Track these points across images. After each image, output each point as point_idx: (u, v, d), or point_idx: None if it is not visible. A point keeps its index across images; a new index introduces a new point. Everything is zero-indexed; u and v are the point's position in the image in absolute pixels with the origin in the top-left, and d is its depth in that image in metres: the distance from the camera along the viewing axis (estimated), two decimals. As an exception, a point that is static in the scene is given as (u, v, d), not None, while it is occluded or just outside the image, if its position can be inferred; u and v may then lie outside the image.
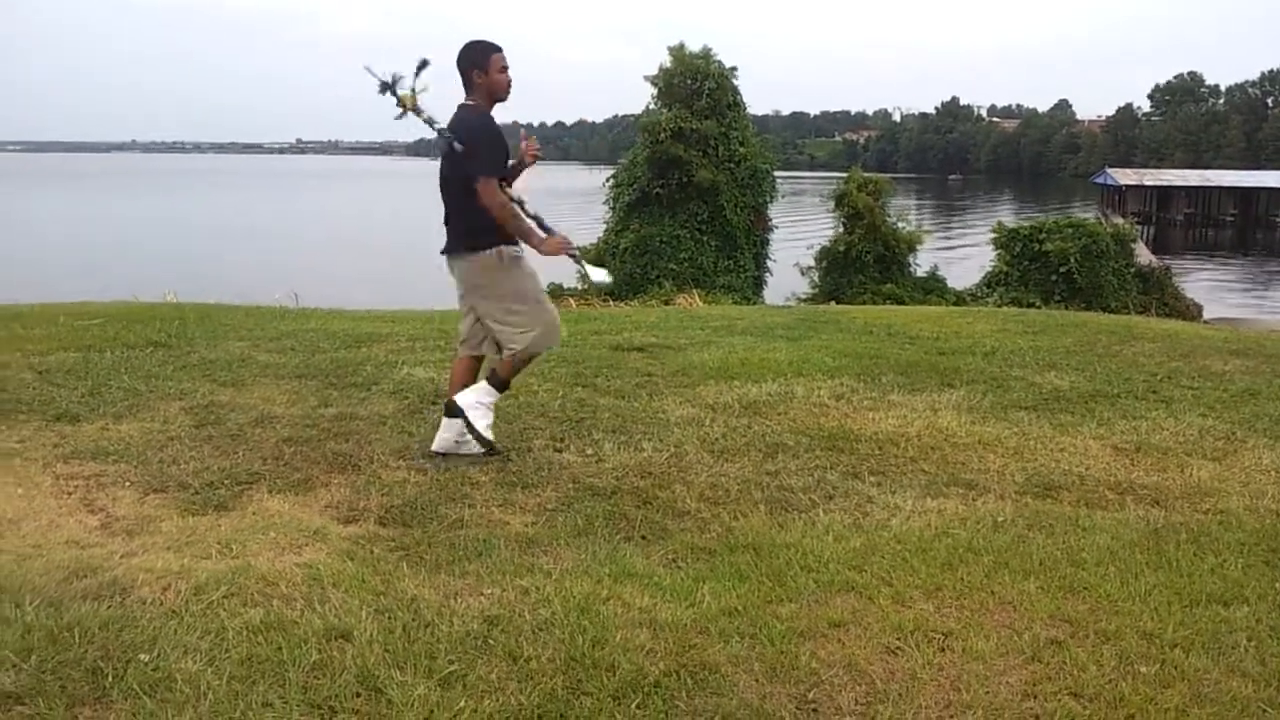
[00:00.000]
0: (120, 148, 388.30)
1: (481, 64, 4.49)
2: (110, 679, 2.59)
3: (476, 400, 4.58)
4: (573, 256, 4.62)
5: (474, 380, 4.70)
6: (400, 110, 4.53)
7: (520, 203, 4.57)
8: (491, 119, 4.57)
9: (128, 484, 4.15)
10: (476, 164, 4.41)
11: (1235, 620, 3.14)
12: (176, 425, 4.98)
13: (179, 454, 4.54)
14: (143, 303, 10.23)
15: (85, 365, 6.18)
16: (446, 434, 4.60)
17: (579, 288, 23.68)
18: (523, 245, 4.58)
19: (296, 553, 3.51)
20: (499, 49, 4.55)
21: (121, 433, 4.83)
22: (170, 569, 3.29)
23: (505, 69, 4.54)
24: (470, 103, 4.55)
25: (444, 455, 4.58)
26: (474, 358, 4.79)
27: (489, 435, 4.59)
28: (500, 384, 4.66)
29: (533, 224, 4.56)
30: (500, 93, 4.56)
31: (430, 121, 4.54)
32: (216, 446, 4.68)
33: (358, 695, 2.58)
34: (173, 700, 2.51)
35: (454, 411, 4.57)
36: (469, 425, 4.54)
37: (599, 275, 4.89)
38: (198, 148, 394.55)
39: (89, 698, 2.52)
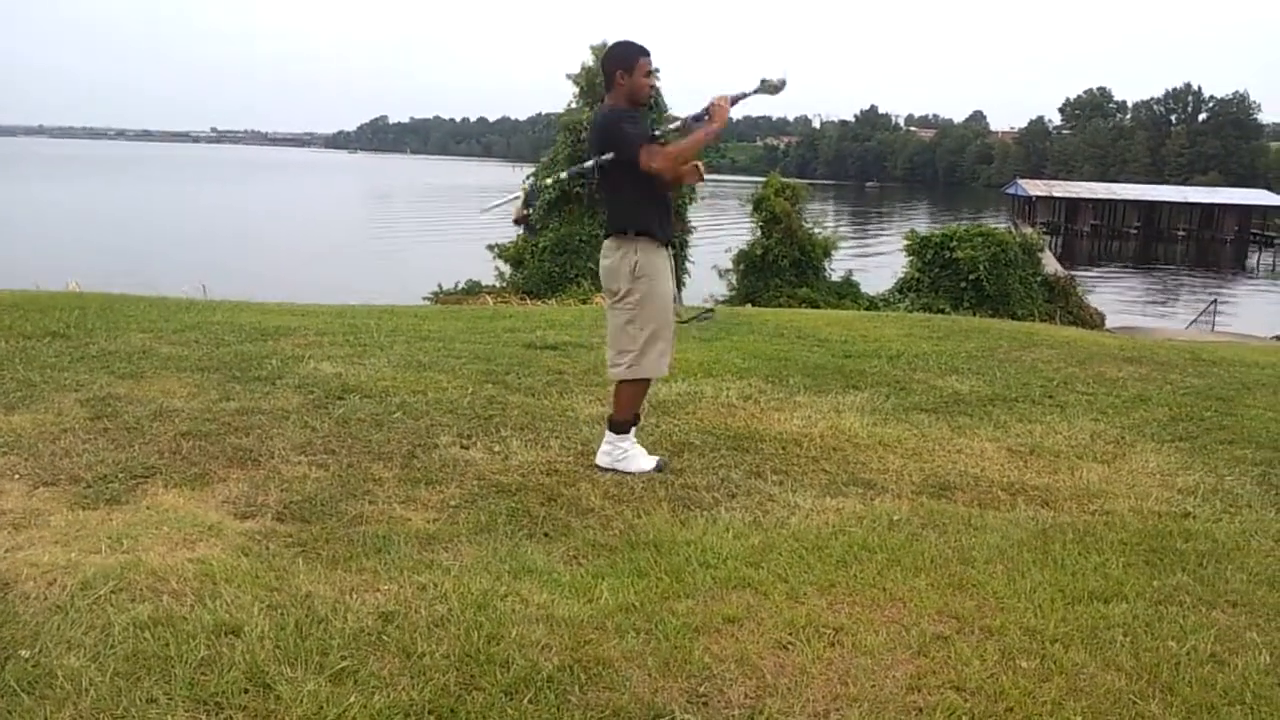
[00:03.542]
0: (30, 132, 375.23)
1: (628, 65, 4.45)
2: (-13, 676, 2.52)
3: (612, 460, 4.56)
4: (743, 96, 4.57)
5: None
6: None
7: (667, 135, 4.49)
8: (625, 113, 4.49)
9: (17, 476, 4.04)
10: (627, 147, 4.36)
11: (1113, 616, 3.25)
12: (71, 417, 4.86)
13: (72, 446, 4.43)
14: (43, 291, 9.94)
15: (-24, 355, 5.99)
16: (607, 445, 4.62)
17: (497, 285, 23.59)
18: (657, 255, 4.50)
19: (190, 548, 3.45)
20: (647, 53, 4.53)
21: (13, 424, 4.70)
22: (57, 563, 3.21)
23: (650, 73, 4.52)
24: (609, 104, 4.54)
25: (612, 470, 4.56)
26: None
27: (652, 464, 4.58)
28: (623, 425, 4.60)
29: (696, 131, 4.51)
30: (641, 96, 4.53)
31: (572, 176, 5.20)
32: (112, 439, 4.57)
33: (245, 691, 2.55)
34: (52, 697, 2.45)
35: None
36: (632, 474, 4.50)
37: (778, 75, 4.65)
38: (121, 134, 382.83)
39: (-37, 695, 2.45)
